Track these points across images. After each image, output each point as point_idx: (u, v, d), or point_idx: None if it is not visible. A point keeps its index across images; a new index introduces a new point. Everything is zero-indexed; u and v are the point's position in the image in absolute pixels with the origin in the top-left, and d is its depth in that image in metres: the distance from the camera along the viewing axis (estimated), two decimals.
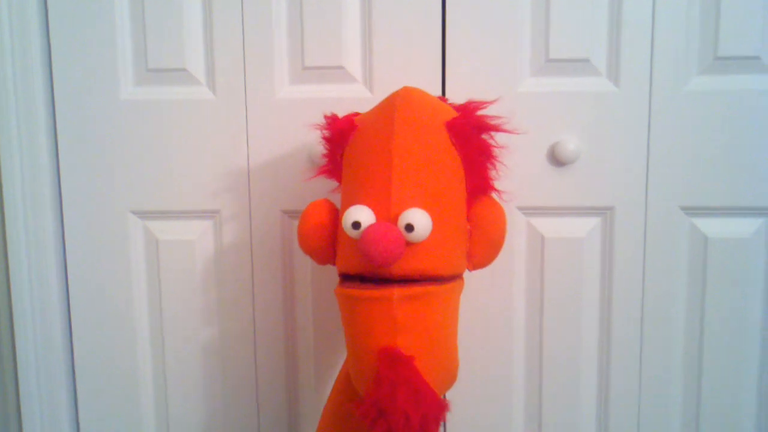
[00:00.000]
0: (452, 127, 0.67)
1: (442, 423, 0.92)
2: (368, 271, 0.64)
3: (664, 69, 0.84)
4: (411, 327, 0.62)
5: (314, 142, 0.86)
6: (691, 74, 0.84)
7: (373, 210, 0.63)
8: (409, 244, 0.62)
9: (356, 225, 0.62)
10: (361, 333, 0.64)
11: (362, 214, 0.63)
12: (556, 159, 0.85)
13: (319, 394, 0.94)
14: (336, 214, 0.71)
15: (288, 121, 0.88)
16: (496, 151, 0.71)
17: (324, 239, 0.70)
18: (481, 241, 0.69)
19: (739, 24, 0.82)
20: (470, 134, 0.68)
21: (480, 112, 0.70)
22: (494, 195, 0.72)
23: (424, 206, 0.63)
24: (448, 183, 0.67)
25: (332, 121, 0.73)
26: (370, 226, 0.61)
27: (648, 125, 0.85)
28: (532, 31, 0.85)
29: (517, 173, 0.85)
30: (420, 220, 0.61)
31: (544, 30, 0.85)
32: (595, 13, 0.84)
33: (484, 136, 0.70)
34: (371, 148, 0.67)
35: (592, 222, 0.88)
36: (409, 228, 0.61)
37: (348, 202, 0.67)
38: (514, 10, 0.85)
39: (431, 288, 0.63)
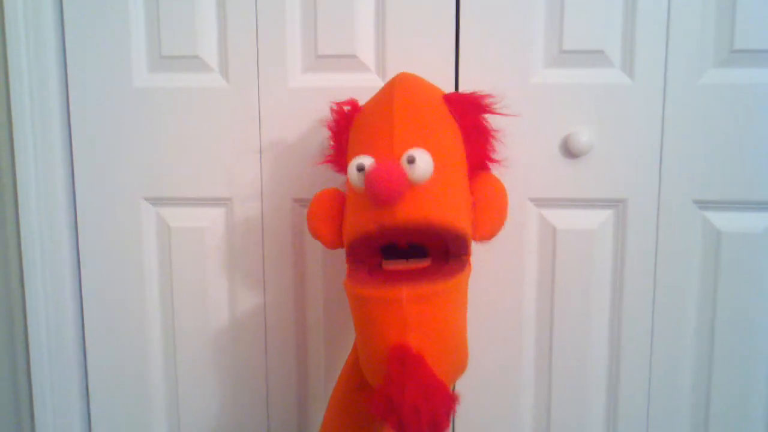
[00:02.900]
0: (450, 99, 0.71)
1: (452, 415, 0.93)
2: (373, 229, 0.64)
3: (679, 61, 0.83)
4: (421, 325, 0.62)
5: (326, 131, 0.86)
6: (707, 67, 0.83)
7: (376, 158, 0.64)
8: (412, 185, 0.62)
9: (360, 168, 0.64)
10: (371, 331, 0.65)
11: (366, 159, 0.64)
12: (568, 151, 0.85)
13: (328, 382, 0.94)
14: (344, 199, 0.72)
15: (300, 110, 0.88)
16: (492, 130, 0.73)
17: (334, 220, 0.71)
18: (486, 211, 0.70)
19: (755, 17, 0.81)
20: (467, 108, 0.71)
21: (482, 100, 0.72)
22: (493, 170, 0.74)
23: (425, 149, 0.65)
24: (449, 143, 0.69)
25: (338, 107, 0.75)
26: (373, 165, 0.62)
27: (662, 118, 0.84)
28: (546, 22, 0.85)
29: (529, 164, 0.85)
30: (421, 155, 0.63)
31: (558, 21, 0.84)
32: (609, 5, 0.83)
33: (482, 116, 0.73)
34: (373, 117, 0.70)
35: (605, 214, 0.88)
36: (411, 159, 0.62)
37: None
38: (529, 1, 0.84)
39: (440, 287, 0.64)
